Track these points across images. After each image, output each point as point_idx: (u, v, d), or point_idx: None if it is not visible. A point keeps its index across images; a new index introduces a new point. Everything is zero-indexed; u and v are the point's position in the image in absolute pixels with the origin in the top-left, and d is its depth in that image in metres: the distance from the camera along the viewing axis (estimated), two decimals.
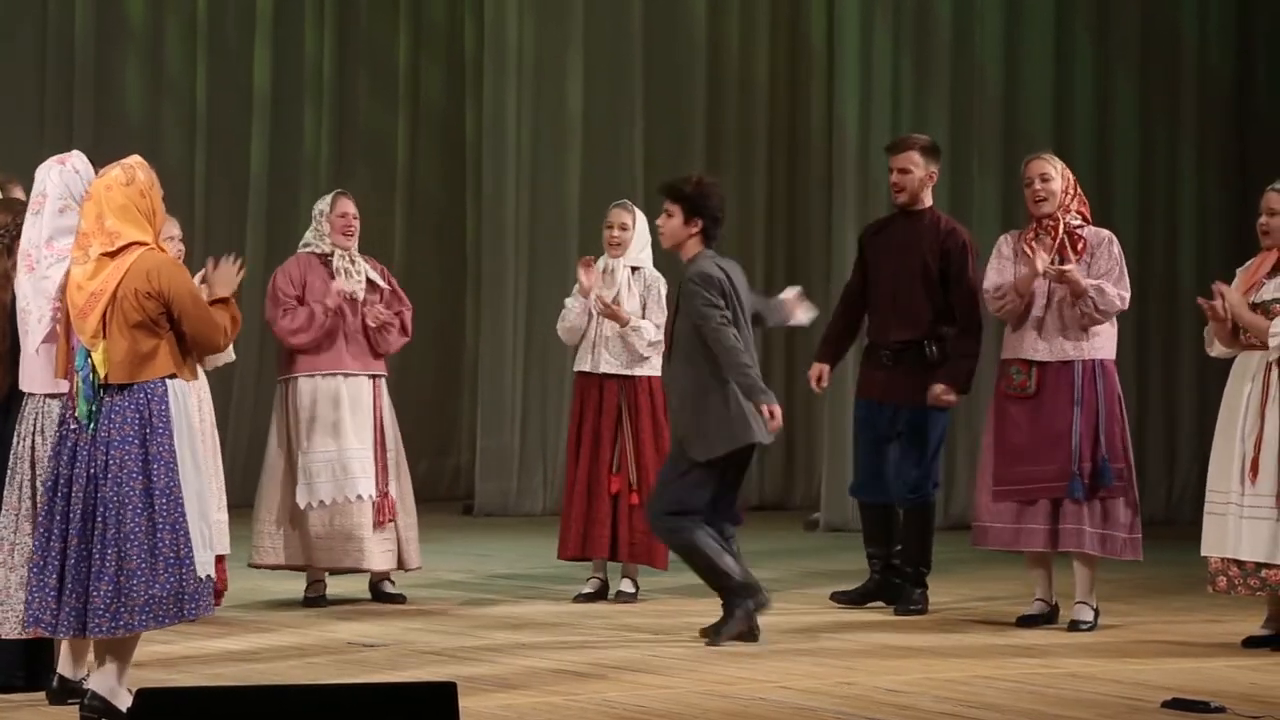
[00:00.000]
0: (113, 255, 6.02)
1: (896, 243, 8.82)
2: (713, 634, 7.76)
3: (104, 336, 5.97)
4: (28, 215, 6.38)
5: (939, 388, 8.64)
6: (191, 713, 4.11)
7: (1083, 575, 8.24)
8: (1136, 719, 6.37)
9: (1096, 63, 13.23)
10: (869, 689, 6.79)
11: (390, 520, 8.85)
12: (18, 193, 7.89)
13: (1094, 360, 8.20)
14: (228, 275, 6.34)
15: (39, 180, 6.40)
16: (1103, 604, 8.33)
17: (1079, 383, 8.19)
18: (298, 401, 8.79)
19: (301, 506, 8.73)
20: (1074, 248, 8.26)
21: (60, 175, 6.45)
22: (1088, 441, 8.16)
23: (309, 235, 9.04)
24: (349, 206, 8.96)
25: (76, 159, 6.53)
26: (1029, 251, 8.29)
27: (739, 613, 7.76)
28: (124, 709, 5.95)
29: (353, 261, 8.93)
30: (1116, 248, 8.28)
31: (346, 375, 8.85)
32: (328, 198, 9.10)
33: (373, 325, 8.87)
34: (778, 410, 7.74)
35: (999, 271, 8.42)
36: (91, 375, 5.96)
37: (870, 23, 12.88)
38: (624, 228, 9.11)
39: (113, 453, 5.95)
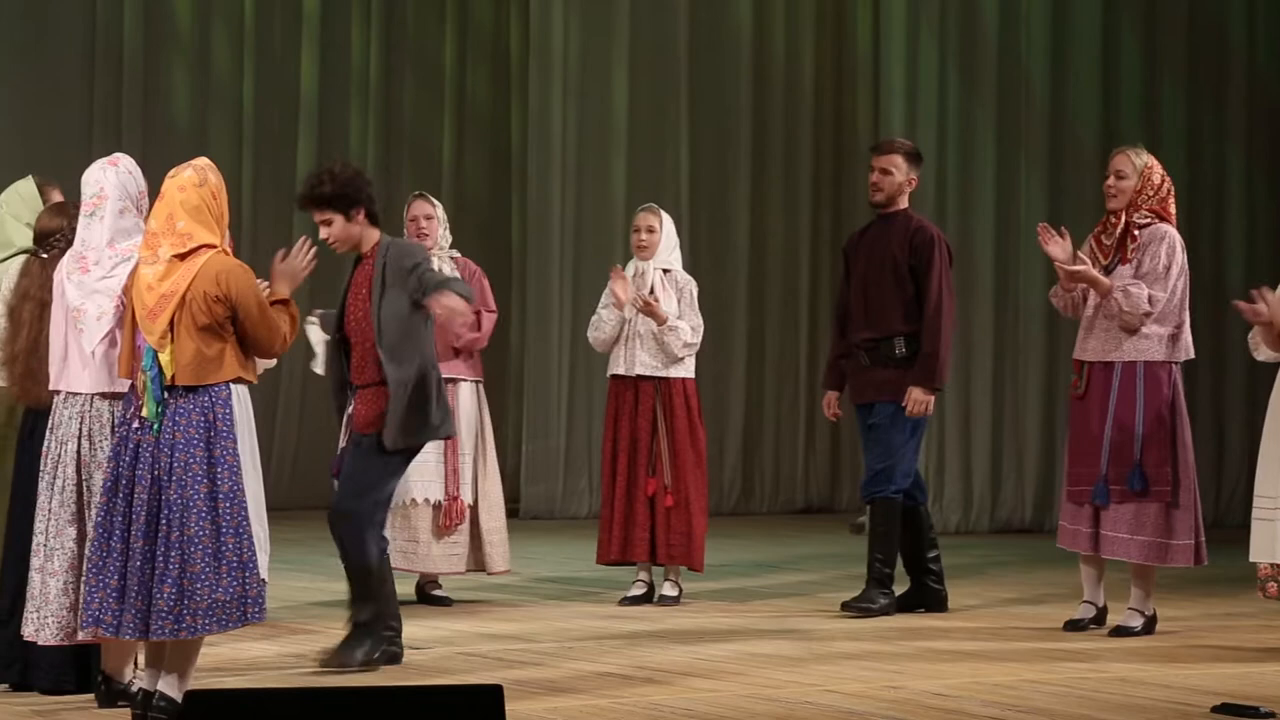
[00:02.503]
0: (183, 257, 6.02)
1: (870, 247, 8.89)
2: (345, 656, 7.18)
3: (172, 339, 5.98)
4: (81, 217, 6.40)
5: (915, 392, 8.65)
6: (239, 714, 4.11)
7: (1133, 582, 8.19)
8: None
9: (1143, 67, 13.18)
10: (916, 693, 6.77)
11: (458, 524, 8.84)
12: (56, 196, 7.92)
13: (1138, 362, 8.13)
14: (292, 270, 6.30)
15: (93, 182, 6.42)
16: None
17: (1116, 384, 8.13)
18: None
19: (405, 503, 8.74)
20: (1129, 246, 8.20)
21: (117, 176, 6.47)
22: (1122, 445, 8.08)
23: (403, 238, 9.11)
24: (420, 209, 8.98)
25: (127, 161, 6.56)
26: (1093, 247, 8.27)
27: (378, 641, 7.20)
28: None
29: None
30: (1167, 247, 8.15)
31: None
32: (409, 200, 9.14)
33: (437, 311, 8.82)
34: (453, 301, 7.03)
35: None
36: (159, 376, 5.97)
37: (916, 28, 12.86)
38: (651, 230, 9.12)
39: (177, 455, 5.95)
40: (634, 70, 13.62)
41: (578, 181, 13.56)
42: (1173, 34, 13.24)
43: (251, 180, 13.66)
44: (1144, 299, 8.07)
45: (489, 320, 9.08)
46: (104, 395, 6.32)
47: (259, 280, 6.28)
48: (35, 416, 6.59)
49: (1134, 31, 13.21)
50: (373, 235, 7.22)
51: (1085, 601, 8.32)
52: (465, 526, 8.89)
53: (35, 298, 6.59)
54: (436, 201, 9.06)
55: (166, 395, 5.98)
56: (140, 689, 6.14)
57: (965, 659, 7.55)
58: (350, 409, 7.27)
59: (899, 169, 8.85)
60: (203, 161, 6.19)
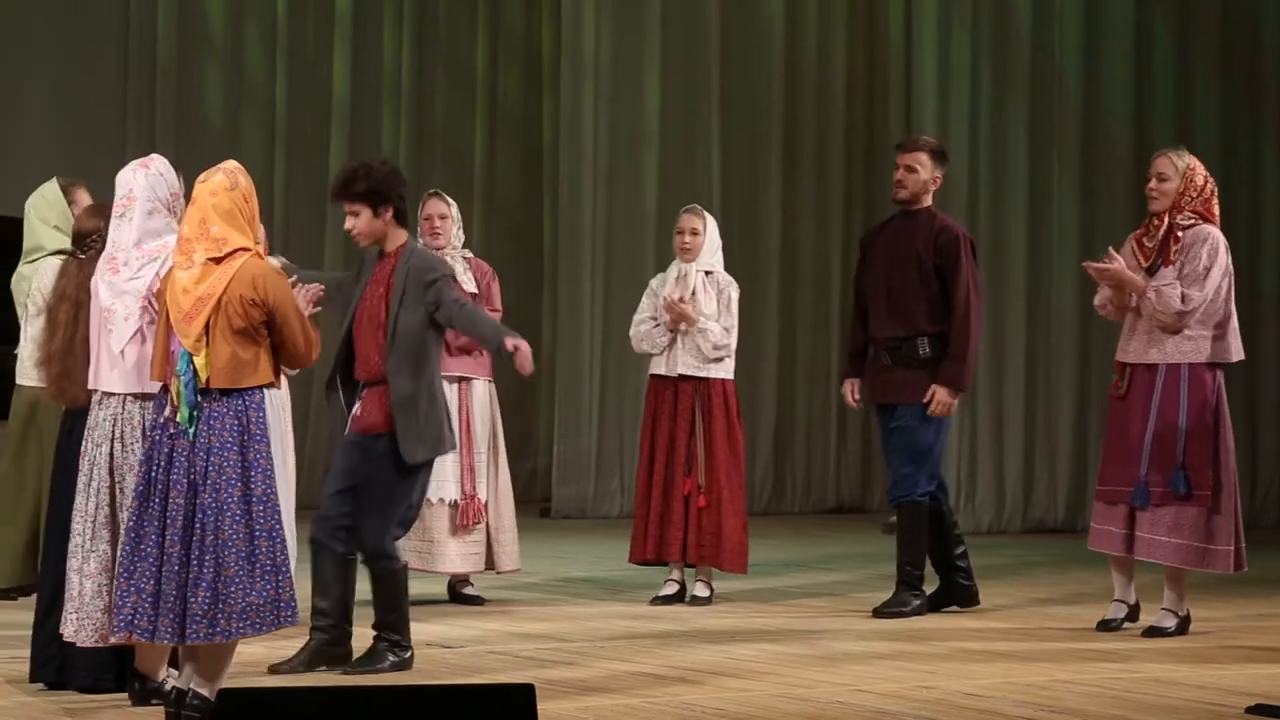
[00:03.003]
0: (219, 261, 6.03)
1: (891, 243, 8.86)
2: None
3: (208, 342, 5.99)
4: (113, 218, 6.42)
5: (940, 393, 8.62)
6: (273, 713, 4.12)
7: (1167, 583, 8.16)
8: None
9: (1177, 65, 13.13)
10: (949, 693, 6.76)
11: (476, 523, 8.86)
12: (83, 196, 7.95)
13: (1182, 364, 8.08)
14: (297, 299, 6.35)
15: (124, 184, 6.44)
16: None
17: (1159, 386, 8.10)
18: None
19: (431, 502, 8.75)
20: (1171, 248, 8.15)
21: (146, 178, 6.48)
22: (1164, 448, 8.05)
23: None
24: (434, 208, 8.96)
25: (159, 162, 6.57)
26: (1134, 248, 8.24)
27: (393, 658, 7.24)
28: None
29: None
30: (1209, 248, 8.08)
31: None
32: (424, 199, 9.11)
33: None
34: (521, 345, 7.09)
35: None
36: (193, 380, 5.98)
37: (948, 27, 12.84)
38: (695, 232, 9.11)
39: (212, 459, 5.95)
40: (665, 71, 13.61)
41: (609, 183, 13.56)
42: (1206, 30, 13.19)
43: (284, 181, 13.69)
44: (1176, 298, 8.03)
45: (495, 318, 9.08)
46: (135, 396, 6.34)
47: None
48: (74, 417, 6.62)
49: (1167, 28, 13.17)
50: (399, 236, 7.25)
51: (1117, 601, 8.30)
52: (482, 525, 8.89)
53: (71, 298, 6.63)
54: (451, 200, 9.02)
55: (201, 399, 5.99)
56: (174, 687, 6.15)
57: (998, 659, 7.54)
58: (356, 409, 7.25)
59: (924, 167, 8.84)
60: (232, 165, 6.21)
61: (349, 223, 7.22)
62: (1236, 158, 13.25)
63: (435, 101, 14.21)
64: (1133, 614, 8.26)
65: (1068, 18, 12.94)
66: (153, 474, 6.01)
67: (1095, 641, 8.01)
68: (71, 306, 6.61)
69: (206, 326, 5.98)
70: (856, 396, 8.95)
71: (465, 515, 8.82)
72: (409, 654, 7.24)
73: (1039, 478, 12.96)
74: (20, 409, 8.05)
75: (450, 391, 8.83)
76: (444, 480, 8.77)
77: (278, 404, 6.21)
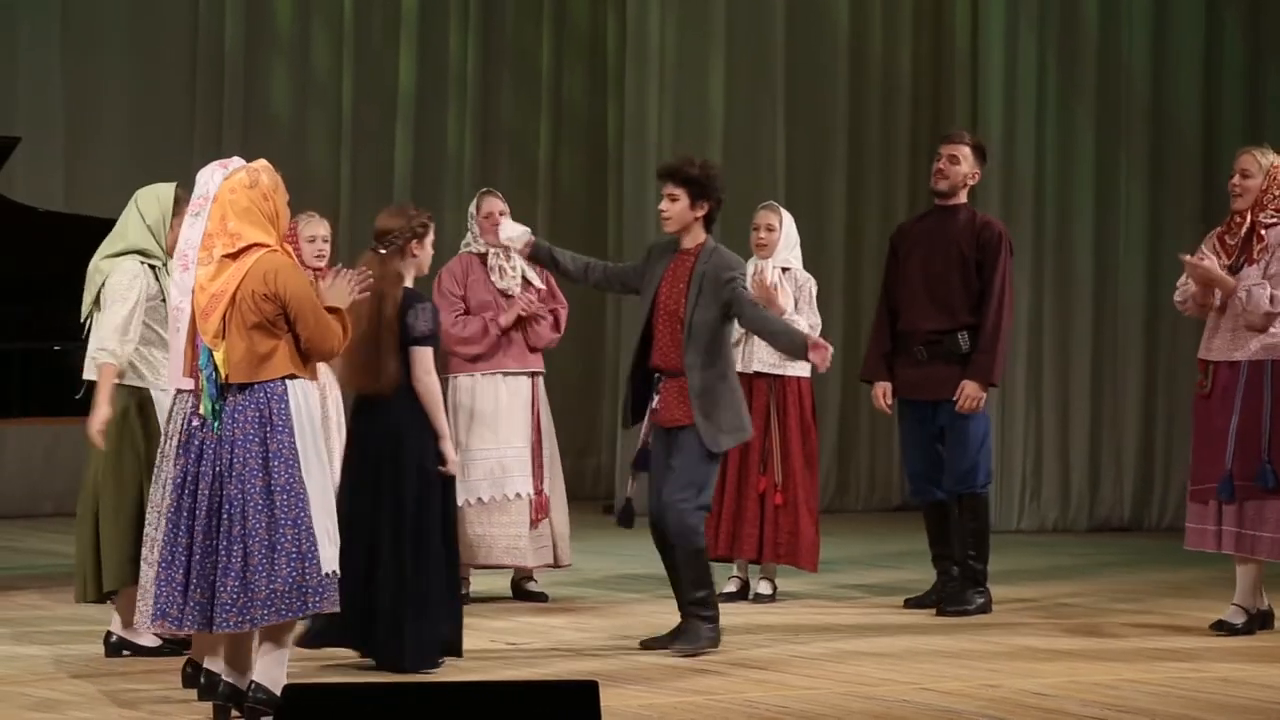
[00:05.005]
0: (234, 257, 6.10)
1: (930, 236, 8.83)
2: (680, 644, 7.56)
3: (224, 337, 6.06)
4: (187, 216, 6.50)
5: (969, 387, 8.60)
6: (338, 709, 4.14)
7: (1241, 578, 8.09)
8: None
9: (1247, 62, 13.02)
10: (1014, 691, 6.73)
11: (545, 518, 8.89)
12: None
13: (1266, 361, 7.99)
14: (341, 290, 6.32)
15: (201, 183, 6.51)
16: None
17: (1242, 382, 8.03)
18: (457, 399, 8.85)
19: (459, 504, 8.78)
20: (1255, 246, 8.08)
21: (207, 179, 6.54)
22: (1248, 442, 7.97)
23: (467, 236, 9.11)
24: (493, 205, 8.98)
25: (237, 164, 6.63)
26: (1216, 246, 8.18)
27: (709, 629, 7.56)
28: None
29: (508, 259, 8.95)
30: None
31: (506, 374, 8.90)
32: (476, 198, 9.14)
33: (522, 313, 8.88)
34: (825, 348, 7.45)
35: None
36: (215, 374, 6.06)
37: (1015, 24, 12.77)
38: (770, 229, 9.11)
39: (236, 451, 6.04)
40: (730, 70, 13.59)
41: None
42: (1277, 26, 13.07)
43: (350, 178, 13.73)
44: (1265, 299, 7.97)
45: (564, 315, 9.11)
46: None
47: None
48: (367, 404, 7.11)
49: (1237, 24, 13.06)
50: (700, 235, 7.60)
51: (1235, 605, 8.20)
52: (548, 520, 8.92)
53: (375, 290, 6.87)
54: (503, 200, 9.07)
55: (223, 393, 6.05)
56: (223, 681, 6.18)
57: (1063, 658, 7.51)
58: (655, 401, 7.57)
59: (966, 159, 8.84)
60: (259, 163, 6.28)
61: (664, 204, 7.61)
62: None
63: (500, 99, 14.22)
64: (1264, 619, 8.14)
65: (1136, 15, 12.85)
66: (186, 467, 6.12)
67: (1162, 640, 7.96)
68: (373, 298, 6.91)
69: (223, 322, 6.05)
70: (889, 401, 8.89)
71: (537, 510, 8.85)
72: (718, 627, 7.57)
73: (1105, 475, 12.88)
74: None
75: (524, 386, 8.88)
76: (518, 475, 8.80)
77: (313, 393, 6.22)
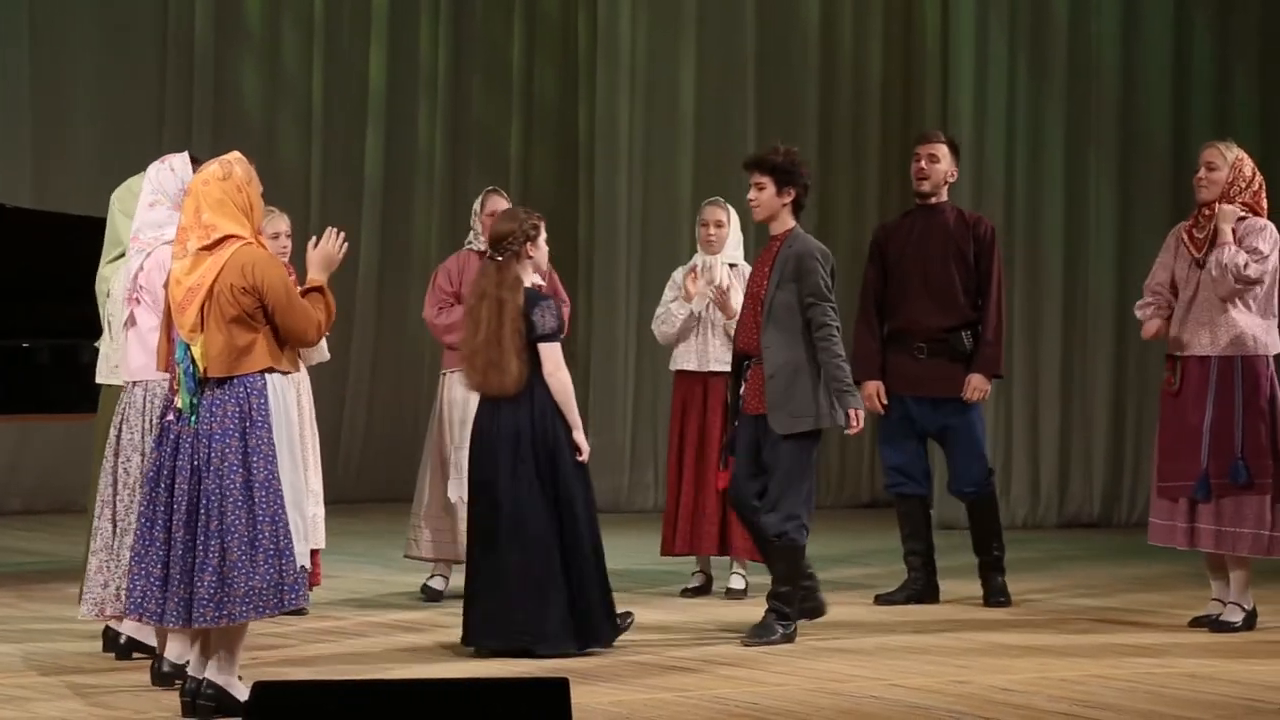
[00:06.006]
0: (209, 249, 6.08)
1: (921, 235, 8.88)
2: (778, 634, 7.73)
3: (201, 331, 6.04)
4: (141, 203, 6.56)
5: (975, 379, 8.69)
6: (306, 706, 4.14)
7: (1233, 576, 8.11)
8: None
9: (1216, 61, 13.07)
10: (983, 688, 6.75)
11: None
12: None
13: (1235, 356, 8.04)
14: (327, 255, 6.30)
15: (144, 178, 6.55)
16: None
17: (1214, 379, 8.05)
18: (451, 395, 8.85)
19: (453, 500, 8.79)
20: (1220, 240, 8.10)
21: (156, 172, 6.63)
22: (1220, 439, 8.00)
23: (470, 234, 9.14)
24: (498, 204, 9.01)
25: (176, 159, 6.67)
26: (1183, 239, 8.19)
27: (783, 625, 7.70)
28: (240, 699, 6.03)
29: None
30: (1268, 236, 8.04)
31: None
32: (481, 196, 9.18)
33: None
34: (862, 415, 7.66)
35: (1163, 267, 8.29)
36: (192, 368, 6.04)
37: (985, 22, 12.80)
38: (719, 224, 9.14)
39: (214, 446, 6.03)
40: (701, 67, 13.60)
41: (644, 177, 13.56)
42: (1245, 23, 13.12)
43: (320, 175, 13.72)
44: (1240, 259, 7.96)
45: (566, 311, 9.11)
46: (133, 381, 6.61)
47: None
48: (496, 405, 7.33)
49: (1206, 21, 13.11)
50: (788, 221, 7.75)
51: (1214, 600, 8.23)
52: None
53: (492, 296, 7.30)
54: (507, 198, 9.12)
55: (201, 387, 6.05)
56: (191, 677, 6.21)
57: (1032, 654, 7.53)
58: (743, 388, 7.73)
59: (945, 158, 8.94)
60: (232, 155, 6.26)
61: (751, 194, 7.78)
62: (1275, 153, 13.18)
63: (471, 95, 14.22)
64: (1247, 619, 8.13)
65: (1105, 14, 12.89)
66: (162, 461, 6.12)
67: (1130, 636, 7.99)
68: (493, 304, 7.27)
69: (200, 315, 6.04)
70: (884, 400, 8.90)
71: None
72: (794, 627, 7.68)
73: (1074, 472, 12.92)
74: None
75: None
76: None
77: (288, 388, 6.23)
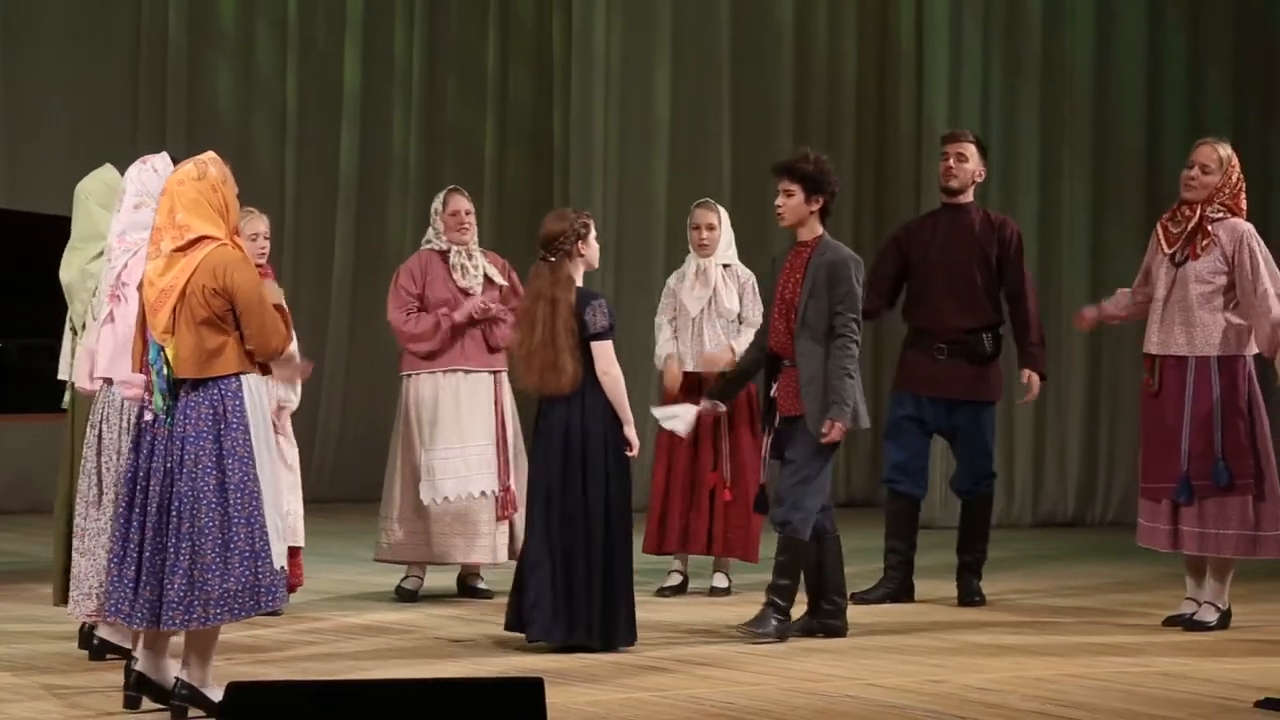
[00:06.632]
0: (183, 250, 6.06)
1: (946, 235, 8.86)
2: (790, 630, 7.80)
3: (173, 333, 6.02)
4: (113, 213, 6.52)
5: (1036, 380, 8.81)
6: (281, 706, 4.13)
7: (1211, 575, 8.13)
8: (1228, 719, 6.31)
9: (1189, 57, 13.11)
10: (958, 687, 6.76)
11: (512, 513, 8.89)
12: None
13: (1211, 356, 8.04)
14: (273, 289, 6.36)
15: (125, 179, 6.53)
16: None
17: (1191, 379, 8.06)
18: (419, 397, 8.83)
19: (425, 503, 8.77)
20: (1199, 241, 8.09)
21: (139, 173, 6.60)
22: (1200, 440, 8.00)
23: (429, 233, 9.09)
24: (460, 203, 8.98)
25: (158, 159, 6.64)
26: (1160, 234, 8.17)
27: (777, 620, 7.75)
28: (214, 699, 6.02)
29: (470, 257, 8.94)
30: (1254, 243, 8.03)
31: (468, 372, 8.88)
32: (441, 195, 9.11)
33: (476, 316, 8.86)
34: (840, 431, 7.65)
35: (1142, 275, 8.32)
36: (165, 370, 6.03)
37: (959, 20, 12.83)
38: (711, 227, 9.12)
39: (188, 448, 6.02)
40: (675, 70, 13.61)
41: (619, 182, 13.56)
42: (1218, 23, 13.16)
43: (295, 177, 13.71)
44: (1273, 301, 7.92)
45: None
46: (109, 381, 6.59)
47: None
48: (549, 404, 7.45)
49: (1179, 22, 13.15)
50: (816, 228, 7.79)
51: (1188, 599, 8.24)
52: (514, 514, 8.92)
53: (547, 296, 7.40)
54: (469, 198, 9.08)
55: (176, 388, 6.04)
56: (136, 670, 6.22)
57: (1007, 653, 7.54)
58: (774, 390, 7.78)
59: (973, 157, 8.90)
60: (206, 156, 6.25)
61: (779, 200, 7.81)
62: (1247, 150, 13.22)
63: (446, 97, 14.21)
64: (1223, 619, 8.15)
65: (1079, 15, 12.93)
66: (138, 463, 6.10)
67: (1104, 635, 8.01)
68: (547, 304, 7.40)
69: (173, 317, 6.02)
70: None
71: (504, 506, 8.84)
72: (789, 623, 7.72)
73: (1048, 471, 12.95)
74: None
75: (485, 384, 8.88)
76: (483, 474, 8.80)
77: (263, 391, 6.22)
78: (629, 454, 7.57)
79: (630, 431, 7.56)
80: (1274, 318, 7.93)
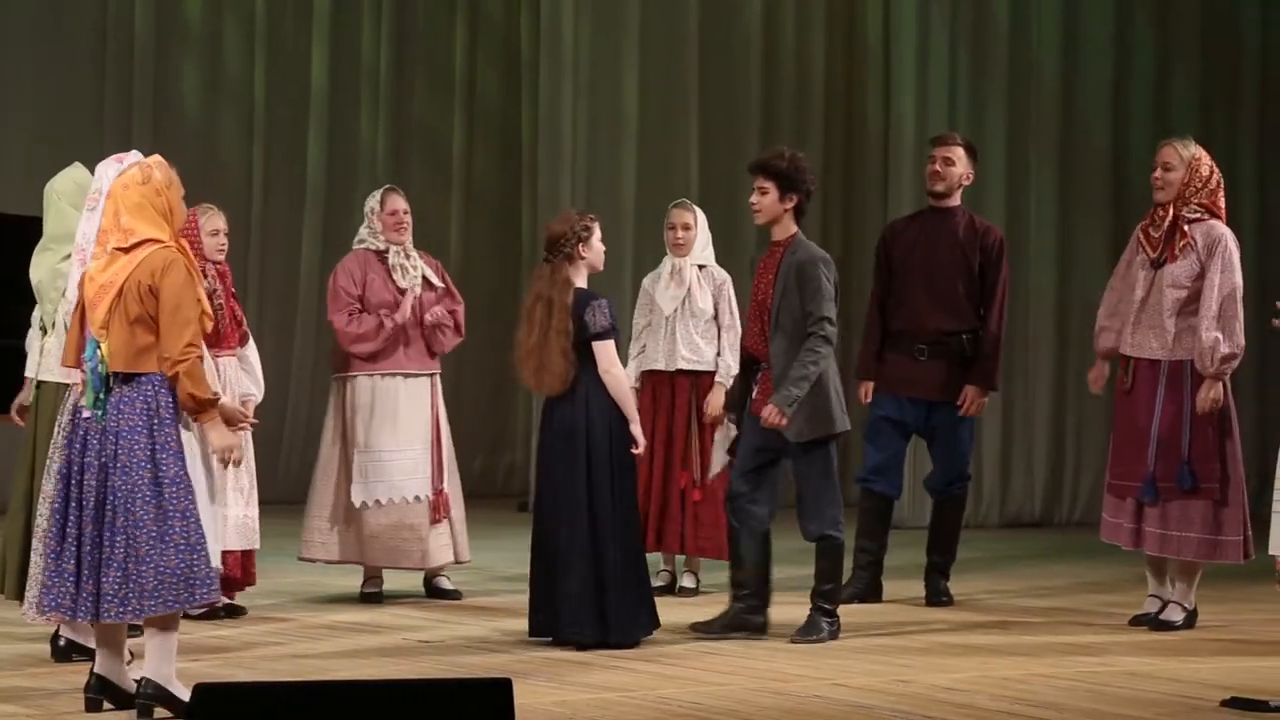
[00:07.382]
0: (126, 250, 6.13)
1: (930, 238, 8.84)
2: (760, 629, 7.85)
3: (109, 328, 6.04)
4: (84, 211, 6.47)
5: (972, 392, 8.73)
6: (248, 708, 4.12)
7: (1177, 577, 8.15)
8: (1195, 718, 6.33)
9: (1156, 53, 13.16)
10: (926, 687, 6.77)
11: (445, 516, 8.87)
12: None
13: (1184, 361, 8.02)
14: (232, 421, 6.31)
15: (97, 178, 6.47)
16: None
17: (1163, 382, 8.06)
18: (356, 400, 8.79)
19: (356, 505, 8.74)
20: (1178, 241, 8.08)
21: (109, 170, 6.52)
22: (1168, 443, 8.01)
23: (363, 232, 9.02)
24: (399, 203, 8.94)
25: (133, 159, 6.58)
26: (1140, 240, 8.17)
27: (828, 622, 7.82)
28: (181, 698, 6.02)
29: (408, 257, 8.92)
30: (1225, 256, 7.99)
31: (407, 375, 8.85)
32: (377, 194, 9.06)
33: (429, 323, 8.86)
34: (774, 421, 7.59)
35: (1123, 266, 8.30)
36: (100, 366, 6.06)
37: (927, 20, 12.85)
38: (687, 227, 9.12)
39: (121, 442, 6.05)
40: (644, 67, 13.60)
41: (588, 178, 13.55)
42: (1185, 25, 13.21)
43: (262, 174, 13.67)
44: (1220, 348, 7.91)
45: (461, 314, 9.06)
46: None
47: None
48: (552, 404, 7.49)
49: (1147, 23, 13.19)
50: (790, 227, 7.75)
51: (1151, 596, 8.26)
52: (448, 518, 8.90)
53: (545, 297, 7.45)
54: (405, 198, 9.04)
55: (108, 384, 6.08)
56: (95, 673, 6.20)
57: (974, 653, 7.55)
58: (754, 392, 7.77)
59: (961, 160, 8.87)
60: (152, 159, 6.29)
61: (754, 198, 7.80)
62: (1214, 146, 13.23)
63: (413, 94, 14.19)
64: (1189, 619, 8.17)
65: (1046, 13, 12.96)
66: (71, 458, 6.12)
67: (1071, 635, 8.03)
68: (544, 305, 7.44)
69: (109, 313, 6.07)
70: (867, 400, 8.92)
71: (437, 510, 8.82)
72: (838, 623, 7.78)
73: (1015, 471, 12.98)
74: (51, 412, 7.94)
75: (424, 388, 8.85)
76: (417, 478, 8.77)
77: None
78: (635, 451, 7.58)
79: (636, 429, 7.58)
80: (1203, 344, 7.95)
